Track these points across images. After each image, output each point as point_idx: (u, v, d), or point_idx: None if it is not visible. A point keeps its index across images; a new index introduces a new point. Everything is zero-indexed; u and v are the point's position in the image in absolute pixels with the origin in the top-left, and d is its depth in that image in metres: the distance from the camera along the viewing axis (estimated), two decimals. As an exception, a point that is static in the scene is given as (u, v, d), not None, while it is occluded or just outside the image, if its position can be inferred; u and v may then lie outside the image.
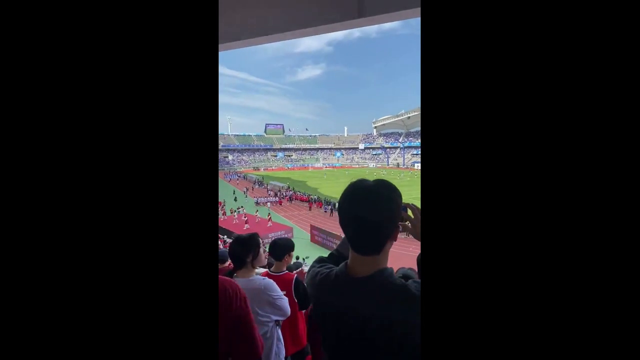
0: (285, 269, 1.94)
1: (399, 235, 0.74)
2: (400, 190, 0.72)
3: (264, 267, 2.27)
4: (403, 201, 0.83)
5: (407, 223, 0.80)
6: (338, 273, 0.73)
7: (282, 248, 1.93)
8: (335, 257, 0.92)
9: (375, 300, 0.65)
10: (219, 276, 1.00)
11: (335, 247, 0.92)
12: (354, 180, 0.73)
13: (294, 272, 2.55)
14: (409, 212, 0.81)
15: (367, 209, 0.66)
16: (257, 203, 21.92)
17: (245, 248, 1.48)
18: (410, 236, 0.81)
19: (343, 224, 0.70)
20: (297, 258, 8.72)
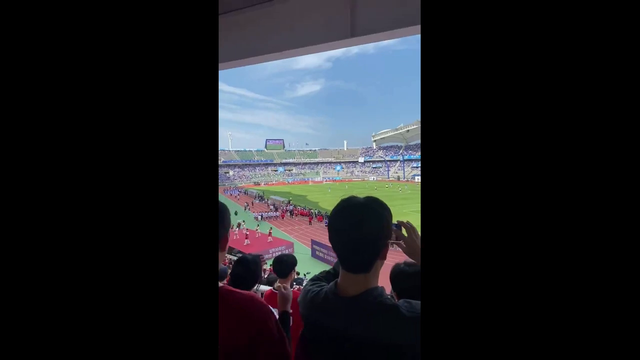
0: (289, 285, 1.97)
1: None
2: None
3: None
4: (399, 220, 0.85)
5: (401, 241, 0.79)
6: (327, 292, 0.72)
7: (287, 265, 1.91)
8: (332, 275, 0.90)
9: (364, 321, 0.64)
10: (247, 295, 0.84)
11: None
12: (345, 196, 0.73)
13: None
14: (403, 231, 0.81)
15: (356, 226, 0.65)
16: (256, 218, 21.83)
17: (252, 273, 1.40)
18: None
19: (333, 241, 0.69)
20: (298, 274, 8.54)
